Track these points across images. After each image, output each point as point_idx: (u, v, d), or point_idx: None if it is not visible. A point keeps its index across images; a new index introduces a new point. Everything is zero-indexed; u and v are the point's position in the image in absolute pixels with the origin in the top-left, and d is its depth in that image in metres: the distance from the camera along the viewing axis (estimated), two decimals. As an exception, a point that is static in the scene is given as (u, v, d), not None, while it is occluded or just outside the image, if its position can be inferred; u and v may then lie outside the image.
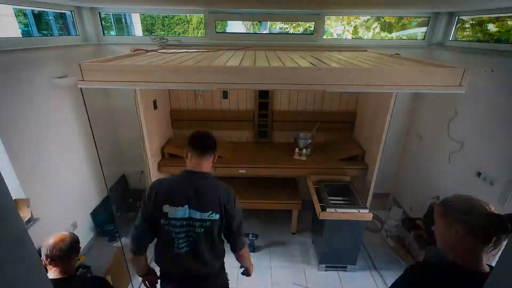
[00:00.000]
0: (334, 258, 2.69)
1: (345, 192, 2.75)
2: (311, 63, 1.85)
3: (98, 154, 1.95)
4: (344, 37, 4.87)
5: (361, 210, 2.40)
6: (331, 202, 2.52)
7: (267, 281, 2.62)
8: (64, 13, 2.88)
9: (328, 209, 2.41)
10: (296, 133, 3.20)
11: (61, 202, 2.57)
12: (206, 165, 1.43)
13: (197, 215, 1.36)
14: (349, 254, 2.64)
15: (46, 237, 1.45)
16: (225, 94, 3.26)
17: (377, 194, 3.16)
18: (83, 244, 2.88)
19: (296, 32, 5.75)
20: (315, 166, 2.93)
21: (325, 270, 2.73)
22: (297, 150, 3.08)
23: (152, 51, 2.44)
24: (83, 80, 1.52)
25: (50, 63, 2.40)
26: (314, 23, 3.07)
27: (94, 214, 3.05)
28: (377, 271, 2.74)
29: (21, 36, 2.63)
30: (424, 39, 3.15)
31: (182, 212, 1.35)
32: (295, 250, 2.99)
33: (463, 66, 1.53)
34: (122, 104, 3.23)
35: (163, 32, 7.58)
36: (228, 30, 4.32)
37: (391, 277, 2.64)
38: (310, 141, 3.07)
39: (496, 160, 2.26)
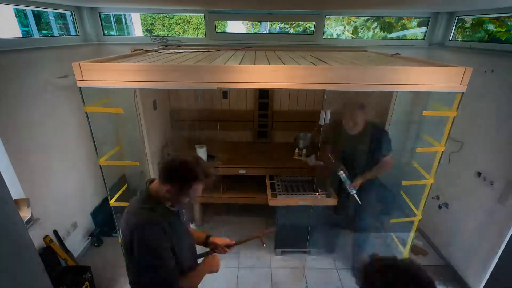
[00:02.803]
0: (290, 243, 2.83)
1: (307, 187, 2.85)
2: (312, 62, 1.85)
3: (97, 154, 1.95)
4: (344, 37, 4.87)
5: (315, 196, 2.57)
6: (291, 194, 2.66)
7: (268, 282, 2.62)
8: (64, 13, 2.87)
9: (279, 196, 2.58)
10: (296, 133, 3.20)
11: (61, 202, 2.57)
12: None
13: None
14: (303, 238, 2.74)
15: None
16: (225, 94, 3.26)
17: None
18: (82, 244, 2.89)
19: (296, 32, 5.75)
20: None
21: (281, 254, 2.89)
22: (297, 150, 3.08)
23: (152, 51, 2.44)
24: (83, 80, 1.52)
25: (50, 63, 2.40)
26: (314, 23, 3.07)
27: (94, 214, 3.05)
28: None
29: (21, 36, 2.63)
30: (424, 39, 3.15)
31: None
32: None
33: (463, 66, 1.53)
34: (122, 104, 3.22)
35: (163, 32, 7.58)
36: (228, 30, 4.31)
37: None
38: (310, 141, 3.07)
39: (496, 160, 2.26)
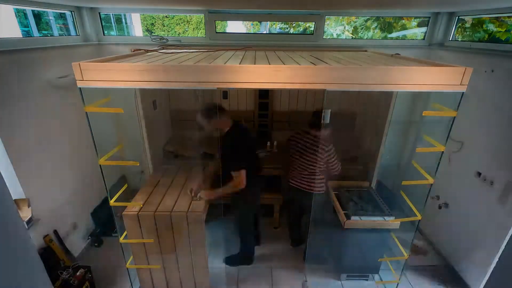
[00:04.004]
0: (356, 267, 2.60)
1: (365, 199, 2.63)
2: (312, 62, 1.85)
3: (97, 154, 1.95)
4: (344, 37, 4.87)
5: (387, 218, 2.31)
6: (354, 209, 2.42)
7: (268, 282, 2.62)
8: (64, 13, 2.88)
9: (352, 217, 2.31)
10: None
11: (61, 202, 2.57)
12: None
13: None
14: (371, 263, 2.53)
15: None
16: (225, 94, 3.26)
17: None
18: (82, 244, 2.89)
19: (296, 32, 5.75)
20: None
21: (346, 279, 2.64)
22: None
23: (152, 51, 2.44)
24: (83, 80, 1.52)
25: (50, 63, 2.40)
26: (314, 23, 3.07)
27: (94, 214, 3.05)
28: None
29: (21, 36, 2.63)
30: (424, 39, 3.15)
31: None
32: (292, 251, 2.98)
33: (463, 66, 1.53)
34: (122, 104, 3.23)
35: (163, 32, 7.57)
36: (228, 30, 4.31)
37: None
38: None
39: (496, 160, 2.26)
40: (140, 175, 3.56)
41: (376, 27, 4.54)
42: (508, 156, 2.14)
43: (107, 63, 1.56)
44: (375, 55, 2.54)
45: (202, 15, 3.03)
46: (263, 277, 2.66)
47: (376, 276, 2.67)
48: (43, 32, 3.03)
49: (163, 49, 2.70)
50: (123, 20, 4.59)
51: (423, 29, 3.23)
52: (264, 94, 3.23)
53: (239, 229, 2.61)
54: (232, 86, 1.54)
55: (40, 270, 0.60)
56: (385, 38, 4.16)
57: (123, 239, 2.09)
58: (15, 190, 2.12)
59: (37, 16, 2.93)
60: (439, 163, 1.90)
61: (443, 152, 1.84)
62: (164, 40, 3.08)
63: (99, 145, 1.86)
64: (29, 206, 2.15)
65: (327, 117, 1.72)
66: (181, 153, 2.98)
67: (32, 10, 2.80)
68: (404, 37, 3.94)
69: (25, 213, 2.13)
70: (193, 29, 7.84)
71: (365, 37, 4.63)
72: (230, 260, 2.76)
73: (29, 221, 2.18)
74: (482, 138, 2.41)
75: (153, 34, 3.08)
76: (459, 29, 3.08)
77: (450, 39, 2.98)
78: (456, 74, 1.52)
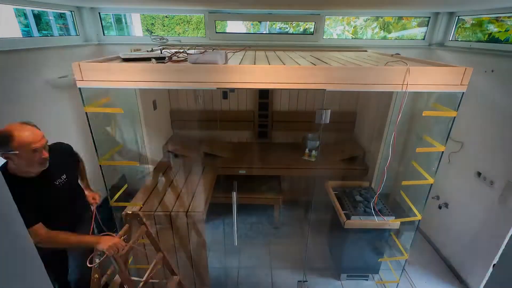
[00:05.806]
0: (356, 267, 2.59)
1: (365, 199, 2.61)
2: (311, 62, 1.85)
3: (97, 154, 1.95)
4: (344, 37, 4.86)
5: (387, 218, 2.31)
6: (354, 209, 2.42)
7: (268, 282, 2.62)
8: (64, 13, 2.87)
9: (352, 217, 2.31)
10: (304, 133, 3.19)
11: (61, 202, 2.56)
12: None
13: None
14: (371, 263, 2.54)
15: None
16: (225, 94, 3.26)
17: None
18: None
19: (296, 32, 5.75)
20: (322, 167, 2.93)
21: (346, 279, 2.64)
22: (307, 151, 3.08)
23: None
24: (83, 80, 1.52)
25: (50, 63, 2.40)
26: (314, 23, 3.07)
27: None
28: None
29: (21, 36, 2.63)
30: (424, 39, 3.15)
31: None
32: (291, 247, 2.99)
33: (463, 66, 1.53)
34: (122, 104, 3.23)
35: (163, 32, 7.57)
36: (228, 30, 4.32)
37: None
38: (318, 142, 3.06)
39: (496, 160, 2.26)
40: (140, 175, 3.57)
41: (376, 27, 4.53)
42: (508, 156, 2.14)
43: (107, 63, 1.56)
44: (375, 55, 2.54)
45: (202, 15, 3.03)
46: (263, 277, 2.66)
47: (376, 276, 2.67)
48: (43, 32, 3.02)
49: (163, 49, 2.70)
50: (123, 20, 4.59)
51: (423, 29, 3.22)
52: (264, 94, 3.23)
53: None
54: (232, 86, 1.54)
55: (40, 271, 0.60)
56: (385, 38, 4.15)
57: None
58: (15, 190, 2.11)
59: (37, 16, 2.93)
60: (439, 163, 1.90)
61: (443, 152, 1.84)
62: (164, 40, 3.08)
63: (99, 145, 1.86)
64: (29, 206, 2.14)
65: (327, 117, 1.71)
66: (181, 153, 2.99)
67: (32, 10, 2.79)
68: (404, 37, 3.94)
69: (25, 213, 2.13)
70: (193, 29, 7.83)
71: (365, 37, 4.63)
72: None
73: (29, 221, 2.18)
74: (482, 138, 2.40)
75: (153, 34, 3.08)
76: (459, 29, 3.08)
77: (450, 39, 2.98)
78: (456, 74, 1.52)
